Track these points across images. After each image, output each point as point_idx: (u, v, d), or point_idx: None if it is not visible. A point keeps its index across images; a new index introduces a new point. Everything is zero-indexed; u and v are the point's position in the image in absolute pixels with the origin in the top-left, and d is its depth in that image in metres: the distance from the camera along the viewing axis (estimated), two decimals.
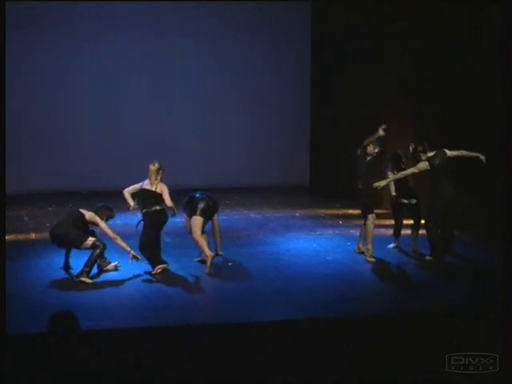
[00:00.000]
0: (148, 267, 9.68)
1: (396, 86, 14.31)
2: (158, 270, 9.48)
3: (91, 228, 9.59)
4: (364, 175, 10.39)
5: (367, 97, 15.11)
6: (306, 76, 17.28)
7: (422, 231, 10.65)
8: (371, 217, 10.32)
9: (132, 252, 9.50)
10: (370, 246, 10.32)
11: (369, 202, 10.45)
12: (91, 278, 9.26)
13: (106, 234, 9.50)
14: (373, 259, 10.24)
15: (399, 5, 13.96)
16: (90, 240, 9.32)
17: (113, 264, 9.64)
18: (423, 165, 10.16)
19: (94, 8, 16.09)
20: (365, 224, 10.38)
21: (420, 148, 10.26)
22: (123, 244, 9.53)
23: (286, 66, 17.21)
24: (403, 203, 10.64)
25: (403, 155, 10.72)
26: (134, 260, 9.52)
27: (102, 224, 9.47)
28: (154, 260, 9.55)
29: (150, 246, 9.54)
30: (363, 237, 10.58)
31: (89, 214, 9.48)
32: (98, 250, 9.28)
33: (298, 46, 17.14)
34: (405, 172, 10.32)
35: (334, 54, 16.15)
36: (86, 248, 9.30)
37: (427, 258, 10.29)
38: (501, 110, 9.83)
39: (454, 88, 12.70)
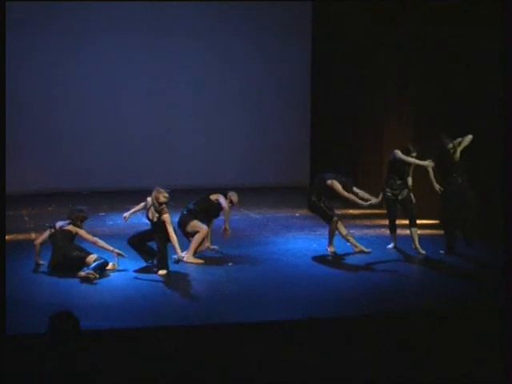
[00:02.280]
0: (150, 268, 9.75)
1: (396, 86, 14.31)
2: (162, 273, 9.51)
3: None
4: (318, 191, 10.60)
5: (367, 97, 15.11)
6: (305, 76, 17.28)
7: (422, 231, 10.68)
8: (333, 221, 10.57)
9: (115, 250, 9.65)
10: (331, 247, 10.68)
11: (323, 211, 10.60)
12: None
13: (86, 240, 9.71)
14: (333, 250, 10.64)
15: (399, 5, 13.95)
16: (92, 257, 9.49)
17: (110, 264, 9.65)
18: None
19: (94, 7, 16.08)
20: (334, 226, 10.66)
21: (446, 139, 10.42)
22: (104, 245, 9.71)
23: (286, 65, 17.20)
24: (394, 199, 10.65)
25: (412, 148, 10.67)
26: (119, 257, 9.64)
27: (81, 231, 9.72)
28: (164, 264, 9.58)
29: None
30: (351, 238, 10.76)
31: (71, 228, 9.70)
32: (99, 261, 9.45)
33: (298, 45, 17.13)
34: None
35: (333, 54, 16.16)
36: (89, 264, 9.43)
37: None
38: (501, 111, 9.84)
39: (454, 88, 12.70)
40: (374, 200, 10.64)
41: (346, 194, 10.50)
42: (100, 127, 16.55)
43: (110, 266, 9.62)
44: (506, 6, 8.72)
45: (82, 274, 9.27)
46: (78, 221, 9.76)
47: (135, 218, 13.34)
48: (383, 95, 14.67)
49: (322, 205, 10.58)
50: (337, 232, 10.69)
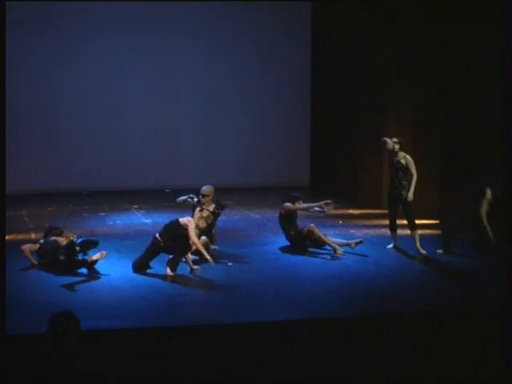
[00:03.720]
0: (149, 269, 9.78)
1: (396, 86, 14.31)
2: (171, 274, 9.52)
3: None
4: (294, 224, 11.00)
5: (367, 97, 15.11)
6: (305, 76, 17.27)
7: (422, 231, 10.68)
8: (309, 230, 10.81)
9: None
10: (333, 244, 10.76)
11: (302, 240, 10.85)
12: (88, 278, 9.33)
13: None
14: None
15: (399, 4, 13.95)
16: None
17: (98, 254, 9.72)
18: None
19: (94, 7, 16.07)
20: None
21: None
22: None
23: (286, 65, 17.20)
24: (394, 198, 10.70)
25: (397, 139, 10.79)
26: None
27: (65, 241, 9.94)
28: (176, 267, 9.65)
29: None
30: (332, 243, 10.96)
31: (57, 238, 9.95)
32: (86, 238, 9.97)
33: (298, 45, 17.12)
34: None
35: (334, 54, 16.15)
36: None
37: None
38: (501, 110, 9.85)
39: (454, 88, 12.70)
40: (323, 202, 11.06)
41: (298, 206, 11.04)
42: (100, 127, 16.54)
43: (98, 256, 9.66)
44: (506, 6, 8.73)
45: (64, 242, 9.53)
46: (57, 235, 10.06)
47: (135, 217, 13.42)
48: (383, 95, 14.66)
49: (301, 238, 10.90)
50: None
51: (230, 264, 10.03)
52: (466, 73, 12.38)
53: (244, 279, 9.40)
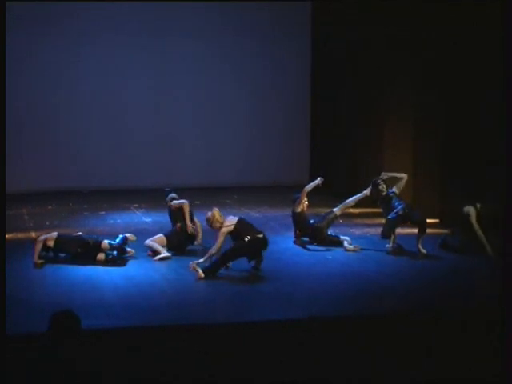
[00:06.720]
0: (151, 268, 9.78)
1: (396, 85, 14.30)
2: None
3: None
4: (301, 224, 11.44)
5: (368, 96, 15.11)
6: (305, 76, 17.28)
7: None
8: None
9: None
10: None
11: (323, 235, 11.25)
12: (88, 278, 9.35)
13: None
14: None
15: (399, 4, 13.94)
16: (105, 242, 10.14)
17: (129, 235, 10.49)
18: None
19: (94, 7, 16.08)
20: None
21: None
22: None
23: (286, 66, 17.21)
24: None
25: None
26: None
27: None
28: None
29: None
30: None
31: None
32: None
33: (298, 46, 17.14)
34: None
35: (334, 54, 16.15)
36: (105, 248, 10.12)
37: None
38: (501, 110, 9.83)
39: (454, 88, 12.70)
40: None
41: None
42: (100, 127, 16.55)
43: (130, 237, 10.34)
44: (506, 6, 8.72)
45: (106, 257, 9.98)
46: None
47: (135, 216, 13.42)
48: (383, 95, 14.66)
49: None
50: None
51: (229, 264, 9.99)
52: (466, 73, 12.38)
53: (244, 279, 9.40)
